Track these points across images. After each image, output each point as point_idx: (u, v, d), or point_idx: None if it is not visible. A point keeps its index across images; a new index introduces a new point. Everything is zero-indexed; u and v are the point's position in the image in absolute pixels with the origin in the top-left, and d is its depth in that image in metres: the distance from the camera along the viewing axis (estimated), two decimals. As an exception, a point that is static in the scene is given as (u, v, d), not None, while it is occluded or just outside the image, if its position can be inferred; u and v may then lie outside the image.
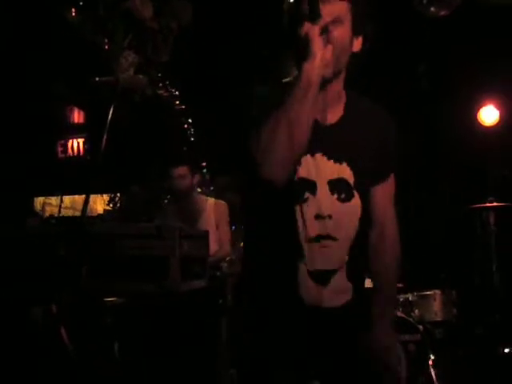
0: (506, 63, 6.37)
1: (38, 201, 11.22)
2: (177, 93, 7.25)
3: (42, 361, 2.92)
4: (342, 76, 2.01)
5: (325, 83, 1.90)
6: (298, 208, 1.96)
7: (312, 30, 1.79)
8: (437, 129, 6.95)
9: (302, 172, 1.95)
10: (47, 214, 9.16)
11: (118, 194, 8.20)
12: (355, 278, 2.04)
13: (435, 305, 4.80)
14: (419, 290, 4.85)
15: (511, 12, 5.96)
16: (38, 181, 9.86)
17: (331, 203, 1.97)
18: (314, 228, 1.96)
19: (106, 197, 8.86)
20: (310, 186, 1.96)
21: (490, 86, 6.76)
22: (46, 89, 8.47)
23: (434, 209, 6.83)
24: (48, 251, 2.82)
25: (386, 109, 2.14)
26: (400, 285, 4.84)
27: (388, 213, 2.16)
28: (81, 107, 10.80)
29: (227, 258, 5.28)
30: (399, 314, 4.61)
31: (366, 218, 2.05)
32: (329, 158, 1.98)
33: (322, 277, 1.98)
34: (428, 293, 4.81)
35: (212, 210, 4.72)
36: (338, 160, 1.99)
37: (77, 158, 11.35)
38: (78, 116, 11.52)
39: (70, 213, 9.62)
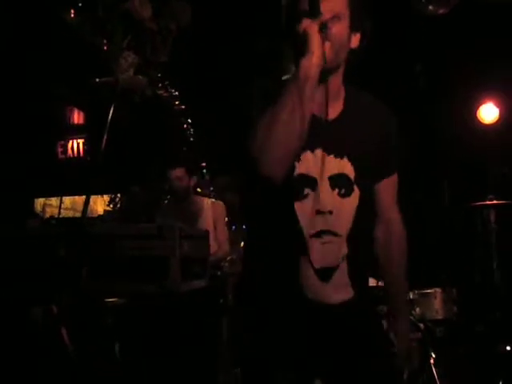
0: (505, 61, 6.37)
1: (39, 202, 11.22)
2: (176, 93, 7.25)
3: (42, 361, 2.93)
4: (341, 71, 2.02)
5: (323, 78, 1.90)
6: (298, 204, 1.96)
7: (311, 27, 1.80)
8: (436, 127, 6.94)
9: (302, 168, 1.95)
10: (47, 215, 9.17)
11: (119, 195, 8.21)
12: (356, 274, 2.05)
13: (436, 303, 4.79)
14: (420, 288, 4.85)
15: (510, 10, 5.96)
16: (38, 182, 9.86)
17: (332, 199, 1.97)
18: (315, 224, 1.97)
19: (106, 197, 8.86)
20: (310, 182, 1.96)
21: (489, 84, 6.76)
22: (46, 89, 8.47)
23: (435, 207, 6.83)
24: (48, 252, 2.82)
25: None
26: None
27: (393, 209, 2.19)
28: (81, 108, 10.80)
29: (228, 258, 5.29)
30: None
31: (363, 211, 2.05)
32: (329, 154, 1.98)
33: (325, 273, 1.99)
34: (429, 291, 4.80)
35: (209, 211, 4.73)
36: (338, 155, 1.99)
37: (77, 159, 11.35)
38: (77, 117, 11.52)
39: (70, 214, 9.63)
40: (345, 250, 2.01)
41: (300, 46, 1.81)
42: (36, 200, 11.18)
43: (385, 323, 4.35)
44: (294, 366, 1.99)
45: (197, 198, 4.86)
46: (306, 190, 1.96)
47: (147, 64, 4.92)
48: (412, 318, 4.50)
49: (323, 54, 1.81)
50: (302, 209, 1.96)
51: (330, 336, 2.01)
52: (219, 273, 4.76)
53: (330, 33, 1.85)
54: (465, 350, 5.51)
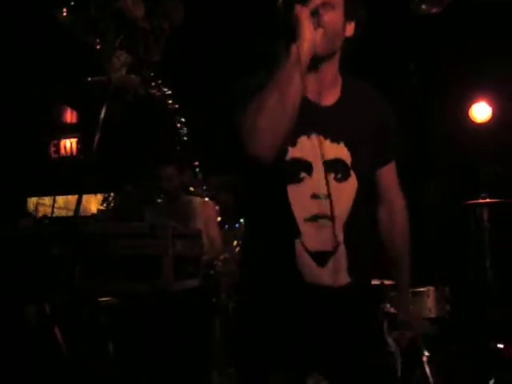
0: (497, 60, 6.39)
1: (32, 201, 11.20)
2: (169, 92, 7.24)
3: (35, 360, 2.92)
4: (337, 59, 2.05)
5: (317, 64, 1.95)
6: (293, 188, 1.98)
7: (302, 12, 1.84)
8: (428, 126, 6.96)
9: (297, 152, 1.98)
10: (40, 215, 9.14)
11: (112, 194, 8.20)
12: (354, 259, 2.06)
13: (429, 301, 4.80)
14: (413, 286, 4.86)
15: (504, 9, 5.98)
16: (31, 181, 9.84)
17: (327, 183, 1.99)
18: (310, 208, 1.99)
19: (99, 196, 8.85)
20: (306, 166, 1.98)
21: (481, 83, 6.78)
22: (39, 89, 8.45)
23: (427, 206, 6.84)
24: (41, 251, 2.82)
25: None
26: (393, 282, 4.85)
27: (394, 191, 2.25)
28: (73, 107, 10.78)
29: (221, 257, 5.29)
30: (392, 310, 4.62)
31: (361, 197, 2.08)
32: (326, 138, 2.00)
33: (321, 257, 2.00)
34: (422, 289, 4.81)
35: (201, 209, 4.72)
36: (335, 140, 2.02)
37: (70, 158, 11.32)
38: (70, 116, 11.49)
39: (63, 213, 9.60)
40: (342, 235, 2.02)
41: (291, 32, 1.84)
42: (29, 199, 11.15)
43: (385, 323, 4.39)
44: (291, 352, 1.99)
45: (188, 197, 4.86)
46: (302, 174, 1.98)
47: (140, 63, 4.91)
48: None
49: (314, 39, 1.85)
50: (298, 192, 1.98)
51: (327, 319, 2.02)
52: (212, 272, 4.76)
53: (323, 20, 1.89)
54: (458, 348, 5.53)
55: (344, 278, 2.03)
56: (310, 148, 1.98)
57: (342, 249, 2.03)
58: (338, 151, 2.02)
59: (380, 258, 2.30)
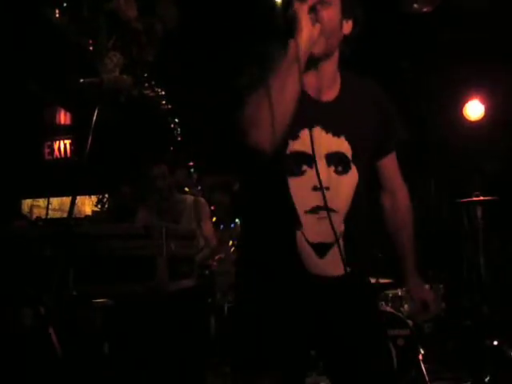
0: (490, 58, 6.40)
1: (26, 203, 11.17)
2: (163, 93, 7.24)
3: (30, 361, 2.92)
4: (335, 57, 2.08)
5: (317, 63, 1.99)
6: (295, 180, 2.01)
7: (300, 8, 1.87)
8: (422, 124, 6.97)
9: (298, 146, 2.00)
10: (35, 216, 9.13)
11: (106, 195, 8.19)
12: (353, 251, 2.08)
13: (424, 299, 4.80)
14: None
15: (496, 7, 6.00)
16: (25, 183, 9.81)
17: (328, 175, 2.02)
18: (311, 199, 2.01)
19: (94, 198, 8.84)
20: (307, 159, 2.00)
21: (475, 81, 6.79)
22: (32, 90, 8.43)
23: (421, 204, 6.85)
24: (35, 253, 2.82)
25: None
26: (389, 280, 4.87)
27: (396, 179, 2.30)
28: (67, 108, 10.75)
29: (216, 257, 5.29)
30: (388, 309, 4.63)
31: (361, 190, 2.11)
32: (327, 132, 2.04)
33: (321, 248, 2.03)
34: (417, 287, 4.81)
35: (192, 208, 4.71)
36: (336, 134, 2.05)
37: (64, 160, 11.29)
38: (64, 117, 11.46)
39: (58, 215, 9.58)
40: (342, 227, 2.05)
41: (290, 28, 1.87)
42: (23, 201, 11.12)
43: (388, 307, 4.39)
44: (290, 350, 2.01)
45: (180, 196, 4.83)
46: (304, 167, 2.01)
47: (133, 64, 4.91)
48: (400, 314, 4.52)
49: (312, 35, 1.88)
50: (299, 185, 2.01)
51: (328, 308, 2.05)
52: (207, 272, 4.76)
53: (320, 16, 1.92)
54: (453, 345, 5.56)
55: (342, 269, 2.04)
56: (311, 141, 1.99)
57: (341, 240, 2.05)
58: (339, 144, 2.05)
59: (378, 257, 2.32)
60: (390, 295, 4.91)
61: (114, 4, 4.71)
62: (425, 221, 6.75)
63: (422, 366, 4.27)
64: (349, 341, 2.07)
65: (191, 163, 7.35)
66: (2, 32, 6.84)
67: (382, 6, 5.52)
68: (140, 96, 6.15)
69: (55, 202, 10.28)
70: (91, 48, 4.83)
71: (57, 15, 4.99)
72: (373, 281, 4.21)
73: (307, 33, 1.87)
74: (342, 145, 2.06)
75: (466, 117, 6.91)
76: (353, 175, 2.08)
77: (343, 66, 2.12)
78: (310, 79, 2.02)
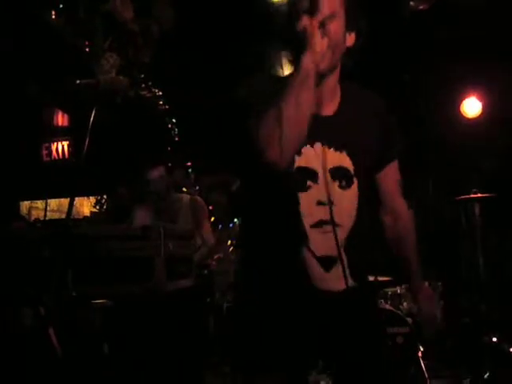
0: (488, 54, 6.40)
1: (24, 205, 11.16)
2: (160, 93, 7.24)
3: (30, 362, 2.92)
4: (337, 70, 2.08)
5: (321, 78, 1.97)
6: (300, 195, 2.03)
7: (311, 24, 1.87)
8: (419, 121, 6.97)
9: (303, 161, 2.03)
10: (33, 218, 9.12)
11: (105, 196, 8.19)
12: (357, 264, 2.10)
13: (423, 297, 4.80)
14: (407, 282, 4.87)
15: (493, 4, 6.00)
16: (24, 185, 9.80)
17: (332, 190, 2.04)
18: (316, 214, 2.03)
19: (92, 199, 8.84)
20: (311, 174, 2.03)
21: (472, 79, 6.79)
22: (29, 92, 8.43)
23: (419, 202, 6.85)
24: (34, 254, 2.82)
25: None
26: (388, 278, 4.88)
27: (395, 195, 2.27)
28: (64, 110, 10.75)
29: (215, 257, 5.29)
30: (388, 307, 4.64)
31: (364, 203, 2.13)
32: (329, 147, 2.05)
33: (327, 262, 2.05)
34: (415, 285, 4.81)
35: (188, 207, 4.70)
36: (337, 149, 2.06)
37: (62, 161, 11.28)
38: (62, 119, 11.46)
39: (56, 216, 9.58)
40: (346, 241, 2.07)
41: (300, 43, 1.87)
42: (22, 203, 11.11)
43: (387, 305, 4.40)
44: (290, 352, 2.02)
45: (177, 195, 4.82)
46: (309, 182, 2.03)
47: (129, 65, 4.91)
48: (400, 312, 4.54)
49: (322, 49, 1.88)
50: (305, 200, 2.03)
51: (329, 322, 2.06)
52: (206, 271, 4.76)
53: (328, 30, 1.92)
54: (452, 343, 5.56)
55: (347, 283, 2.07)
56: (314, 157, 2.03)
57: (345, 254, 2.07)
58: (341, 159, 2.07)
59: (377, 256, 2.33)
60: (390, 293, 4.92)
61: (111, 5, 4.71)
62: (423, 219, 6.76)
63: (422, 363, 4.28)
64: (349, 357, 2.08)
65: (189, 163, 7.35)
66: (-1, 34, 6.84)
67: (379, 6, 5.52)
68: (137, 97, 6.15)
69: (53, 203, 10.28)
70: (87, 49, 4.83)
71: (53, 17, 4.99)
72: (372, 279, 4.23)
73: (318, 48, 1.87)
74: (344, 160, 2.07)
75: (464, 114, 6.91)
76: (355, 189, 2.09)
77: (344, 77, 2.12)
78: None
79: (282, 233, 2.06)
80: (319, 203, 2.03)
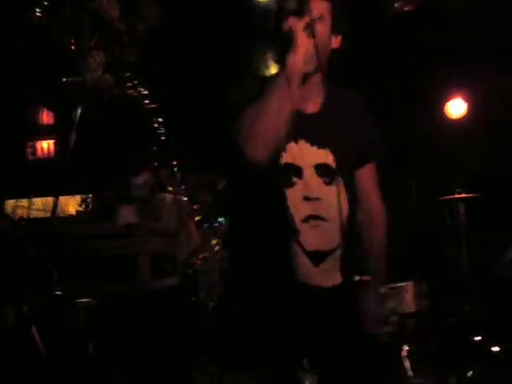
0: (472, 55, 6.44)
1: (9, 203, 11.09)
2: (146, 92, 7.21)
3: (13, 361, 2.91)
4: (322, 71, 2.12)
5: (306, 77, 2.02)
6: (286, 191, 2.07)
7: (297, 25, 1.90)
8: (404, 122, 6.99)
9: (288, 158, 2.07)
10: (18, 217, 9.06)
11: (91, 195, 8.15)
12: (348, 261, 2.15)
13: (407, 296, 4.83)
14: (391, 282, 4.90)
15: (478, 6, 6.03)
16: (8, 183, 9.74)
17: (318, 186, 2.09)
18: (303, 209, 2.08)
19: (78, 198, 8.79)
20: (296, 170, 2.08)
21: (456, 80, 6.82)
22: (14, 90, 8.38)
23: (404, 202, 6.88)
24: (19, 252, 2.81)
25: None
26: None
27: (372, 192, 2.31)
28: (50, 108, 10.69)
29: (200, 256, 5.29)
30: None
31: (354, 200, 2.19)
32: (312, 144, 2.10)
33: (317, 257, 2.09)
34: (400, 285, 4.85)
35: (172, 207, 4.72)
36: (321, 146, 2.11)
37: (47, 160, 11.22)
38: (47, 117, 11.39)
39: (41, 215, 9.53)
40: (337, 236, 2.11)
41: (286, 44, 1.91)
42: (7, 201, 11.04)
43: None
44: (279, 350, 2.05)
45: (160, 195, 4.85)
46: (294, 179, 2.08)
47: (115, 63, 4.90)
48: (384, 311, 4.55)
49: (307, 50, 1.92)
50: (291, 195, 2.07)
51: (317, 317, 2.09)
52: (190, 271, 4.76)
53: (314, 32, 1.94)
54: (436, 342, 5.59)
55: (336, 278, 2.12)
56: (299, 153, 2.08)
57: (339, 250, 2.12)
58: (324, 156, 2.11)
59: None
60: (374, 292, 4.93)
61: (97, 4, 4.70)
62: (408, 219, 6.79)
63: (406, 362, 4.30)
64: (334, 354, 2.11)
65: (175, 162, 7.33)
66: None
67: (364, 7, 5.54)
68: (123, 95, 6.13)
69: (39, 202, 10.21)
70: (73, 47, 4.82)
71: (39, 14, 4.96)
72: (356, 278, 4.25)
73: (303, 49, 1.90)
74: (327, 156, 2.11)
75: (448, 115, 6.95)
76: (340, 185, 2.12)
77: (329, 77, 2.16)
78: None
79: (270, 228, 2.09)
80: (306, 199, 2.07)
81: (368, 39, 6.26)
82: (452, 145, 6.91)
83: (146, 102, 7.28)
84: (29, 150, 11.38)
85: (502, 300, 5.89)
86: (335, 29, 2.07)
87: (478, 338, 4.95)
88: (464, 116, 6.91)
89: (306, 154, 2.08)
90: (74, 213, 8.55)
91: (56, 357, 2.99)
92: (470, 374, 4.62)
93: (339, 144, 2.12)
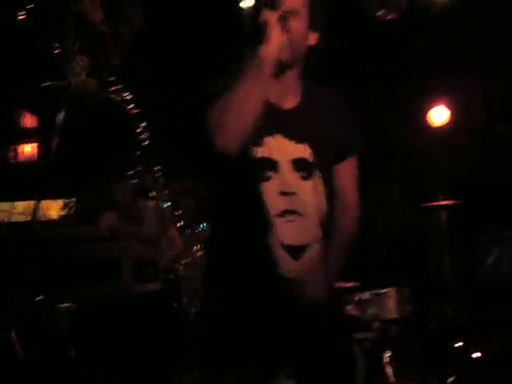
0: (455, 62, 6.48)
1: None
2: (130, 97, 7.18)
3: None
4: (299, 66, 2.16)
5: (282, 71, 2.05)
6: (261, 186, 2.07)
7: (270, 17, 1.93)
8: (386, 129, 7.02)
9: (264, 152, 2.08)
10: (-1, 221, 8.98)
11: (73, 199, 8.08)
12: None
13: (390, 303, 4.85)
14: (374, 288, 4.91)
15: (461, 14, 6.09)
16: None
17: (294, 181, 2.10)
18: (279, 204, 2.08)
19: (60, 202, 8.73)
20: (272, 165, 2.08)
21: (439, 87, 6.87)
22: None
23: (386, 208, 6.91)
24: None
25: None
26: (355, 284, 4.90)
27: (348, 187, 2.30)
28: (33, 112, 10.63)
29: (183, 262, 5.27)
30: (354, 312, 4.66)
31: (332, 195, 2.19)
32: (290, 139, 2.11)
33: (295, 251, 2.09)
34: (383, 291, 4.87)
35: (153, 213, 4.71)
36: (298, 141, 2.12)
37: (30, 164, 11.14)
38: (30, 120, 11.31)
39: (22, 218, 9.46)
40: (315, 230, 2.13)
41: (259, 35, 1.93)
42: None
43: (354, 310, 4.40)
44: (260, 351, 2.04)
45: (142, 202, 4.84)
46: (270, 173, 2.08)
47: (100, 67, 4.89)
48: (366, 318, 4.56)
49: (280, 43, 1.94)
50: (267, 190, 2.07)
51: (298, 313, 2.08)
52: (172, 276, 4.74)
53: (288, 25, 1.99)
54: (419, 347, 5.61)
55: (318, 272, 2.10)
56: (275, 148, 2.08)
57: (318, 245, 2.12)
58: (302, 151, 2.12)
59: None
60: (356, 298, 4.94)
61: (80, 7, 4.69)
62: (390, 225, 6.81)
63: (388, 368, 4.31)
64: (315, 349, 2.10)
65: (158, 167, 7.30)
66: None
67: (346, 13, 5.57)
68: (106, 100, 6.11)
69: (21, 206, 10.14)
70: (57, 51, 4.80)
71: (23, 17, 4.94)
72: (338, 284, 4.25)
73: (276, 41, 1.92)
74: (305, 151, 2.12)
75: (430, 123, 6.98)
76: (317, 180, 2.14)
77: (307, 74, 2.17)
78: (272, 87, 2.05)
79: (247, 223, 2.10)
80: (282, 193, 2.08)
81: (349, 47, 6.30)
82: (434, 152, 6.95)
83: (130, 106, 7.26)
84: (11, 154, 11.30)
85: (484, 305, 5.94)
86: (312, 25, 2.09)
87: (460, 344, 4.98)
88: (447, 123, 6.95)
89: (283, 149, 2.09)
90: (56, 217, 8.50)
91: (37, 361, 2.96)
92: (451, 379, 4.64)
93: (317, 139, 2.14)
